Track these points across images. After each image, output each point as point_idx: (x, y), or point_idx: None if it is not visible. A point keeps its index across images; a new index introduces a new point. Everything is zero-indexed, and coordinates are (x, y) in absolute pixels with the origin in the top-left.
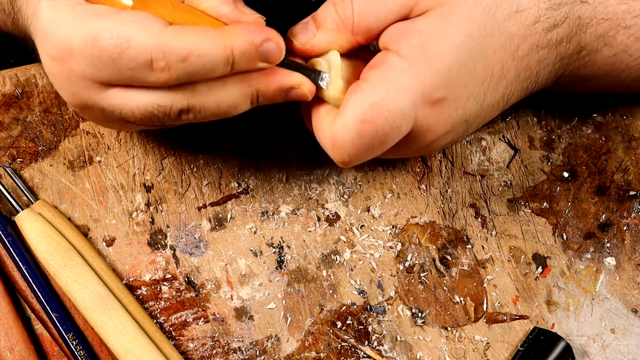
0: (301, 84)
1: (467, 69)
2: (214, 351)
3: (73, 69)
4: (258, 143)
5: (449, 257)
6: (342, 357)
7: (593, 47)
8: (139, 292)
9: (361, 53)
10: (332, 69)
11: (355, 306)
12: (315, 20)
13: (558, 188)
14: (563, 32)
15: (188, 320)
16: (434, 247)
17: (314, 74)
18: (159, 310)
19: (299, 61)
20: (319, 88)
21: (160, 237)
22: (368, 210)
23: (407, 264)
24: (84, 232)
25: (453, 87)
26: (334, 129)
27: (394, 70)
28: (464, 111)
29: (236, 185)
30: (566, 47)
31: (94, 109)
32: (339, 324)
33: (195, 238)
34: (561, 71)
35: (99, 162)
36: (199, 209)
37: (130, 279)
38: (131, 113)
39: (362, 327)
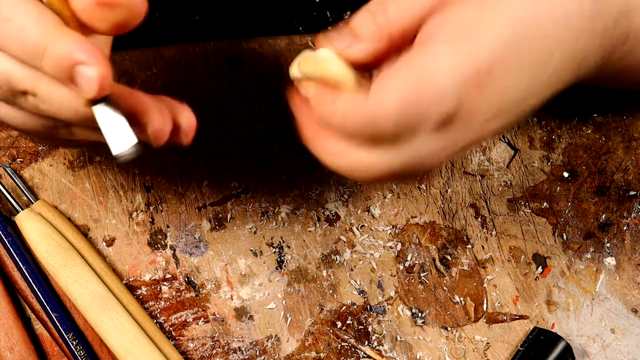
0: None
1: (512, 50)
2: (214, 351)
3: None
4: (258, 143)
5: (449, 257)
6: (342, 357)
7: (638, 36)
8: (139, 292)
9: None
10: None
11: (355, 306)
12: (351, 29)
13: (558, 188)
14: (609, 20)
15: (188, 320)
16: (434, 247)
17: (121, 130)
18: (159, 310)
19: (117, 113)
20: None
21: (160, 237)
22: (368, 210)
23: (407, 264)
24: (84, 232)
25: (499, 67)
26: (368, 107)
27: (437, 51)
28: (511, 93)
29: (236, 185)
30: (611, 36)
31: None
32: (339, 324)
33: (195, 238)
34: (603, 62)
35: (99, 162)
36: (199, 209)
37: (130, 279)
38: None
39: (362, 327)
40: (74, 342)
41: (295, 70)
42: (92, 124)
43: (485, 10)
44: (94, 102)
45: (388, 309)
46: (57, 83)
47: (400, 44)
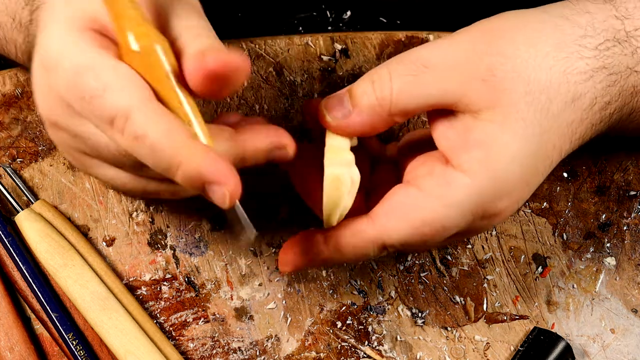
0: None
1: (530, 167)
2: (214, 351)
3: (53, 83)
4: None
5: (449, 257)
6: (342, 357)
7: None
8: (139, 292)
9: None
10: (349, 187)
11: (355, 306)
12: (351, 96)
13: (558, 188)
14: (617, 105)
15: (188, 320)
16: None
17: (243, 222)
18: (159, 310)
19: (239, 210)
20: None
21: (160, 237)
22: None
23: (407, 264)
24: (84, 232)
25: (517, 190)
26: (378, 227)
27: (455, 186)
28: (523, 202)
29: None
30: (619, 115)
31: (64, 132)
32: (339, 324)
33: (195, 238)
34: (607, 131)
35: None
36: (199, 209)
37: (130, 279)
38: (104, 147)
39: (362, 327)
40: (74, 342)
41: None
42: None
43: (504, 133)
44: None
45: (388, 309)
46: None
47: (402, 119)
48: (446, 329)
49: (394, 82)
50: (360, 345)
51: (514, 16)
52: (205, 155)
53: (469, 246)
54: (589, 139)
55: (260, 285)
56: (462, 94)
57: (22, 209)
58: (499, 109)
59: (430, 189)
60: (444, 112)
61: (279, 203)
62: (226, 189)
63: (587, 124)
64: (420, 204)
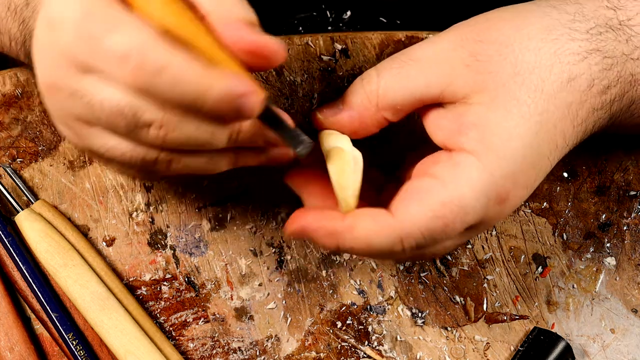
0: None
1: (533, 148)
2: (214, 351)
3: (58, 38)
4: None
5: (449, 257)
6: (342, 357)
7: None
8: (139, 292)
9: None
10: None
11: (355, 306)
12: (343, 97)
13: (558, 188)
14: (616, 92)
15: (188, 320)
16: None
17: (292, 133)
18: (159, 310)
19: (281, 115)
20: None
21: (160, 237)
22: None
23: (407, 264)
24: (84, 232)
25: (523, 172)
26: (398, 221)
27: (463, 165)
28: (532, 189)
29: (236, 185)
30: (619, 105)
31: (61, 94)
32: (339, 324)
33: (195, 238)
34: (609, 124)
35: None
36: (199, 209)
37: (130, 279)
38: (99, 105)
39: (362, 327)
40: (74, 342)
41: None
42: (215, 148)
43: (495, 112)
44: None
45: (388, 309)
46: (188, 112)
47: (392, 117)
48: (446, 329)
49: (380, 77)
50: (360, 345)
51: (503, 9)
52: (230, 73)
53: (469, 246)
54: (592, 127)
55: (260, 285)
56: (448, 83)
57: (22, 209)
58: (487, 92)
59: (441, 174)
60: (433, 106)
61: (279, 203)
62: (257, 97)
63: (588, 107)
64: (435, 188)
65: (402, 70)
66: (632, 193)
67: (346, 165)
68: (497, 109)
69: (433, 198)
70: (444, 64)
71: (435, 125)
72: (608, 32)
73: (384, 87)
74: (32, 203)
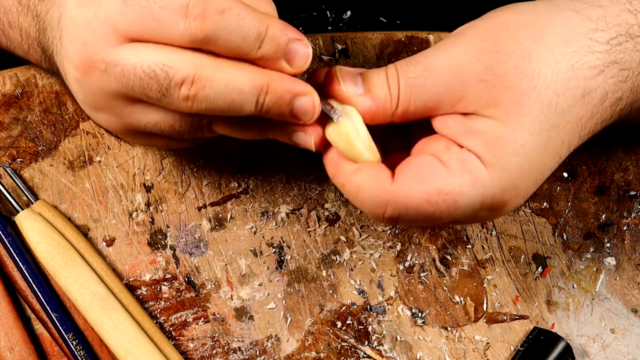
0: (310, 93)
1: (538, 163)
2: (214, 351)
3: (98, 14)
4: (258, 143)
5: (449, 257)
6: (342, 357)
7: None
8: (139, 292)
9: None
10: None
11: (355, 306)
12: (365, 80)
13: (558, 188)
14: (628, 101)
15: (188, 320)
16: (434, 247)
17: (327, 105)
18: (159, 310)
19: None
20: (328, 123)
21: (160, 237)
22: None
23: (407, 264)
24: (84, 232)
25: (524, 184)
26: (393, 189)
27: (471, 164)
28: (524, 201)
29: (236, 185)
30: (628, 111)
31: (96, 70)
32: (339, 324)
33: (195, 238)
34: (614, 123)
35: (99, 162)
36: (199, 209)
37: (130, 279)
38: (132, 71)
39: (362, 327)
40: (74, 342)
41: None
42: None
43: (506, 127)
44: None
45: (388, 309)
46: (221, 68)
47: (399, 121)
48: (446, 329)
49: (401, 79)
50: (360, 345)
51: (520, 11)
52: (282, 21)
53: (469, 246)
54: (598, 131)
55: (260, 285)
56: (461, 97)
57: (22, 209)
58: (500, 107)
59: (450, 163)
60: None
61: (279, 203)
62: (308, 44)
63: (598, 119)
64: (440, 173)
65: (417, 81)
66: (632, 193)
67: (351, 136)
68: (507, 124)
69: (433, 182)
70: (459, 78)
71: (442, 123)
72: (627, 41)
73: (403, 94)
74: (32, 203)
